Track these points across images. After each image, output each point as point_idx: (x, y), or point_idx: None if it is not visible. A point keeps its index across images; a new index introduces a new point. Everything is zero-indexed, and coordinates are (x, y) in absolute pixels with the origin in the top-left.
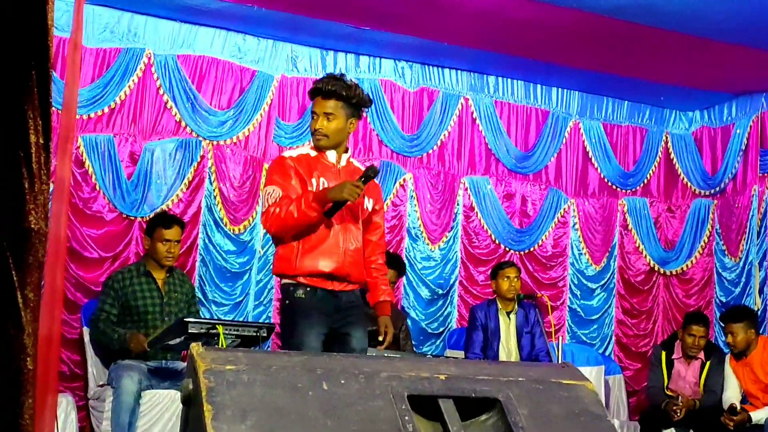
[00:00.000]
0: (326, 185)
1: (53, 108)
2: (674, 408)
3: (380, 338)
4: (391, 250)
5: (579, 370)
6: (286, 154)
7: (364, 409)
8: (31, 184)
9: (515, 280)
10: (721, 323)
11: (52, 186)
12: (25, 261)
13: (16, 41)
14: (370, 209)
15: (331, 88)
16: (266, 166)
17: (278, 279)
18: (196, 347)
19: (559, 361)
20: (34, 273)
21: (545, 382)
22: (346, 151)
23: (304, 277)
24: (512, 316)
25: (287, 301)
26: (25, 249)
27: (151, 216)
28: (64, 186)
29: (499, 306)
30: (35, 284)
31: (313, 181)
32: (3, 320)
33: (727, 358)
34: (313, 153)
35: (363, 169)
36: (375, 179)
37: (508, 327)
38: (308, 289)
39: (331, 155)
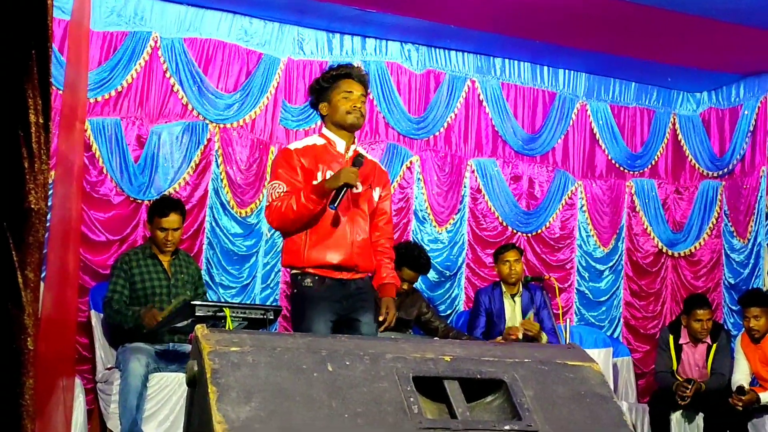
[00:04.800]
0: None
1: (57, 89)
2: (682, 392)
3: (381, 318)
4: (398, 233)
5: (585, 351)
6: (292, 146)
7: (369, 391)
8: (31, 164)
9: (515, 263)
10: (741, 306)
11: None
12: (26, 241)
13: (16, 21)
14: (377, 199)
15: (364, 75)
16: (273, 149)
17: (287, 270)
18: (201, 329)
19: (566, 343)
20: (34, 253)
21: (551, 363)
22: (354, 142)
23: (312, 268)
24: (517, 298)
25: (295, 290)
26: (25, 229)
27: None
28: (73, 168)
29: (504, 289)
30: (35, 264)
31: (319, 174)
32: (3, 300)
33: (738, 339)
34: (321, 142)
35: (372, 158)
36: (381, 166)
37: (513, 309)
38: (316, 278)
39: (341, 145)
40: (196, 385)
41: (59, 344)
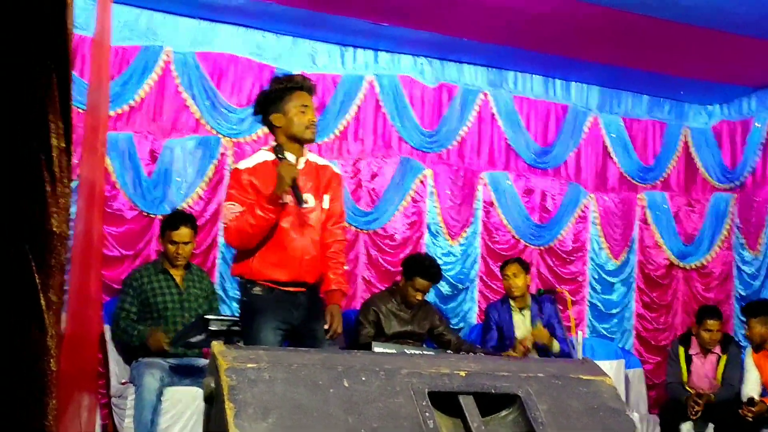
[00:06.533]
0: None
1: (74, 107)
2: (693, 405)
3: (326, 326)
4: (411, 247)
5: (598, 365)
6: (242, 165)
7: (384, 406)
8: (53, 188)
9: (514, 278)
10: (743, 317)
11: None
12: (48, 264)
13: (35, 44)
14: (327, 207)
15: (313, 85)
16: None
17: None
18: (217, 346)
19: (579, 355)
20: (56, 276)
21: (564, 378)
22: (303, 153)
23: (261, 279)
24: (526, 312)
25: (245, 298)
26: (47, 252)
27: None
28: (94, 189)
29: (511, 303)
30: (58, 287)
31: None
32: (26, 323)
33: (748, 351)
34: (271, 158)
35: (322, 163)
36: (333, 168)
37: (522, 322)
38: (265, 287)
39: (291, 158)
40: (214, 402)
41: (80, 363)
